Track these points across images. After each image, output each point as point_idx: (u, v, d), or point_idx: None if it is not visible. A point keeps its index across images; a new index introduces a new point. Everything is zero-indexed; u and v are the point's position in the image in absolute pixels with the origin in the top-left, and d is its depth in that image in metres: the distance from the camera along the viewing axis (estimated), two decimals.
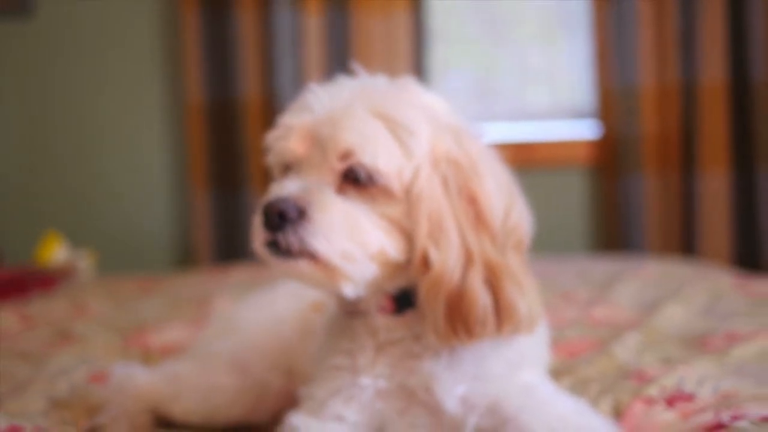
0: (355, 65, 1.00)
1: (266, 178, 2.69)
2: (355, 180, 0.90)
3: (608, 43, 2.66)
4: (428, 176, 0.90)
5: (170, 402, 1.19)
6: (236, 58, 2.76)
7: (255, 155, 2.75)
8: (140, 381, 1.21)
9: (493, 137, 0.99)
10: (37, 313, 2.02)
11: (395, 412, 0.95)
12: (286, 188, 0.90)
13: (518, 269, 0.91)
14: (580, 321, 1.68)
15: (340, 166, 0.90)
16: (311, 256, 0.88)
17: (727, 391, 1.12)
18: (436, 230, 0.89)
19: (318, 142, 0.92)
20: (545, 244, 2.73)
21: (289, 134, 0.94)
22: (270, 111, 2.73)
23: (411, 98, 0.95)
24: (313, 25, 2.74)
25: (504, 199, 0.92)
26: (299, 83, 2.72)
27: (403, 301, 0.95)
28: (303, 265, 0.89)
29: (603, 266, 2.29)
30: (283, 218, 0.88)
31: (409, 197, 0.90)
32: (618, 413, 1.13)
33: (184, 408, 1.18)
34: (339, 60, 2.74)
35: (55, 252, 2.64)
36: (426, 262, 0.89)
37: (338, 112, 0.91)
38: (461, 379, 0.93)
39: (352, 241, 0.88)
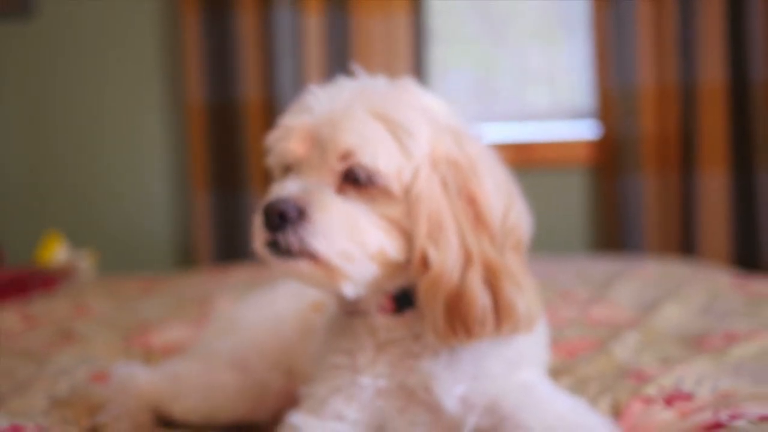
0: (355, 66, 1.00)
1: (266, 178, 2.70)
2: (355, 181, 0.90)
3: (608, 44, 2.67)
4: (428, 177, 0.91)
5: (171, 401, 1.19)
6: (236, 58, 2.77)
7: (255, 156, 2.75)
8: (141, 380, 1.22)
9: (492, 137, 1.00)
10: (39, 312, 2.03)
11: (395, 410, 0.96)
12: (286, 189, 0.91)
13: (517, 269, 0.91)
14: (579, 321, 1.69)
15: (340, 167, 0.91)
16: (311, 256, 0.88)
17: (725, 391, 1.12)
18: (436, 230, 0.90)
19: (318, 143, 0.92)
20: (545, 243, 2.75)
21: (289, 135, 0.95)
22: (270, 111, 2.74)
23: (411, 99, 0.95)
24: (313, 25, 2.74)
25: (503, 199, 0.92)
26: (299, 84, 2.72)
27: (403, 300, 0.95)
28: (303, 265, 0.89)
29: (602, 266, 2.30)
30: (283, 218, 0.88)
31: (409, 198, 0.91)
32: (616, 412, 1.13)
33: (184, 407, 1.18)
34: (339, 60, 2.75)
35: (56, 252, 2.65)
36: (425, 262, 0.90)
37: (338, 113, 0.92)
38: (460, 378, 0.94)
39: (352, 241, 0.89)
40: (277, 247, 0.90)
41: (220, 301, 1.97)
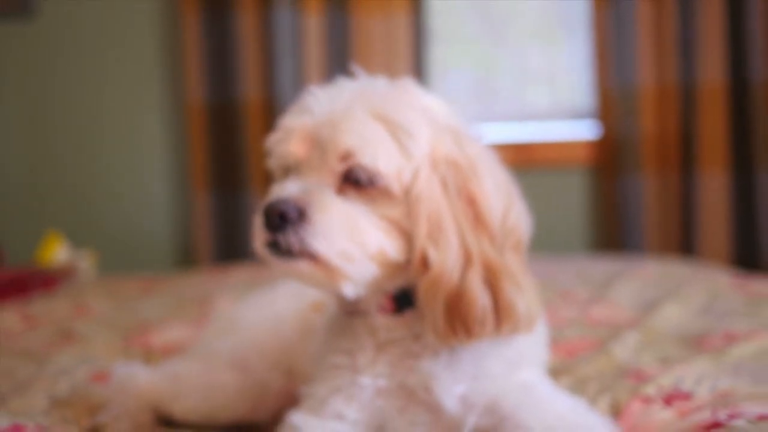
0: (355, 67, 1.01)
1: (266, 178, 2.70)
2: (355, 181, 0.91)
3: (608, 44, 2.67)
4: (427, 177, 0.91)
5: (171, 401, 1.19)
6: (236, 58, 2.77)
7: (255, 156, 2.76)
8: (141, 380, 1.22)
9: (492, 138, 1.00)
10: (39, 312, 2.03)
11: (395, 410, 0.96)
12: (286, 189, 0.91)
13: (517, 269, 0.92)
14: (579, 320, 1.69)
15: (340, 168, 0.91)
16: (311, 256, 0.89)
17: (724, 390, 1.12)
18: (436, 231, 0.90)
19: (318, 144, 0.92)
20: (545, 243, 2.76)
21: (289, 136, 0.95)
22: (270, 112, 2.74)
23: (410, 100, 0.96)
24: (313, 25, 2.75)
25: (503, 199, 0.93)
26: (299, 84, 2.73)
27: (403, 300, 0.95)
28: (303, 266, 0.90)
29: (602, 266, 2.30)
30: (283, 219, 0.88)
31: (409, 198, 0.91)
32: (616, 412, 1.13)
33: (184, 407, 1.18)
34: (339, 60, 2.75)
35: (57, 252, 2.65)
36: (425, 262, 0.90)
37: (338, 114, 0.92)
38: (460, 378, 0.94)
39: (352, 242, 0.89)
40: (277, 248, 0.90)
41: (220, 301, 1.97)
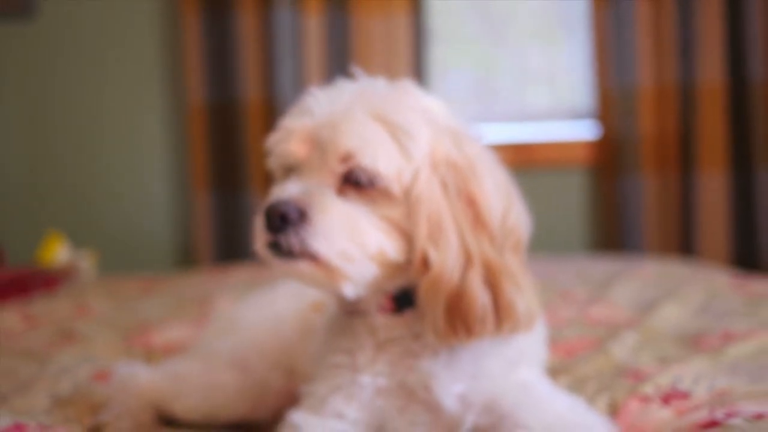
0: (355, 68, 1.01)
1: (266, 178, 2.70)
2: (355, 182, 0.91)
3: (607, 44, 2.67)
4: (427, 178, 0.92)
5: (172, 400, 1.20)
6: (236, 58, 2.78)
7: (255, 156, 2.76)
8: (142, 379, 1.23)
9: (492, 138, 1.01)
10: (40, 312, 2.04)
11: (395, 409, 0.96)
12: (287, 191, 0.92)
13: (516, 269, 0.92)
14: (578, 320, 1.70)
15: (340, 169, 0.92)
16: (312, 257, 0.89)
17: (722, 389, 1.13)
18: (436, 231, 0.90)
19: (318, 145, 0.93)
20: (544, 244, 2.76)
21: (289, 137, 0.95)
22: (270, 112, 2.74)
23: (410, 101, 0.96)
24: (313, 25, 2.75)
25: (502, 200, 0.93)
26: (299, 84, 2.73)
27: (403, 300, 0.96)
28: (304, 266, 0.90)
29: (602, 266, 2.31)
30: (284, 220, 0.89)
31: (409, 199, 0.92)
32: (614, 411, 1.14)
33: (185, 406, 1.19)
34: (339, 61, 2.76)
35: (57, 252, 2.66)
36: (426, 263, 0.90)
37: (338, 115, 0.93)
38: (459, 377, 0.94)
39: (352, 242, 0.89)
40: (278, 248, 0.90)
41: (220, 301, 1.98)
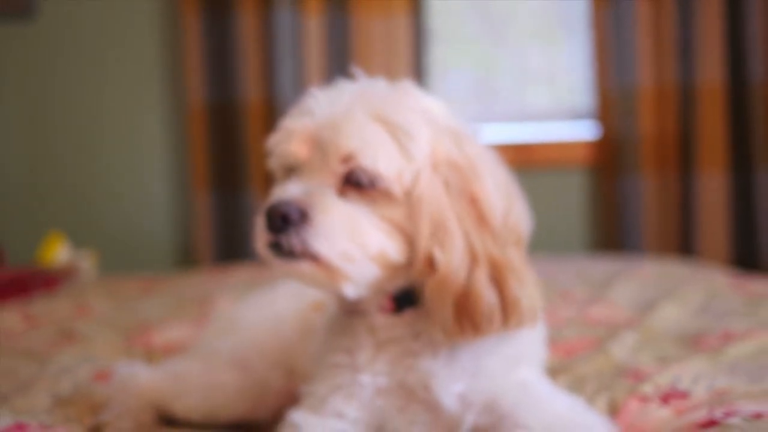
0: (355, 69, 1.01)
1: (266, 179, 2.71)
2: (356, 183, 0.91)
3: (607, 44, 2.68)
4: (429, 179, 0.92)
5: (172, 400, 1.20)
6: (237, 59, 2.78)
7: (255, 156, 2.76)
8: (143, 379, 1.23)
9: (492, 138, 1.01)
10: (40, 312, 2.04)
11: (395, 409, 0.97)
12: (288, 191, 0.92)
13: (519, 264, 0.93)
14: (577, 320, 1.70)
15: (341, 170, 0.92)
16: (313, 257, 0.90)
17: (721, 389, 1.13)
18: (441, 232, 0.91)
19: (319, 145, 0.93)
20: (544, 244, 2.76)
21: (290, 138, 0.96)
22: (270, 112, 2.75)
23: (410, 102, 0.96)
24: (314, 26, 2.75)
25: (503, 198, 0.94)
26: (299, 84, 2.74)
27: (403, 300, 0.96)
28: (305, 266, 0.90)
29: (601, 266, 2.31)
30: (285, 221, 0.89)
31: (410, 200, 0.92)
32: (613, 411, 1.14)
33: (185, 406, 1.19)
34: (339, 61, 2.76)
35: (58, 252, 2.66)
36: (431, 263, 0.91)
37: (339, 116, 0.93)
38: (459, 376, 0.95)
39: (353, 243, 0.90)
40: (279, 249, 0.91)
41: (220, 301, 1.98)
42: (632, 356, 1.39)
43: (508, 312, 0.90)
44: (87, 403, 1.24)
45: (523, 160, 2.79)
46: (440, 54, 2.94)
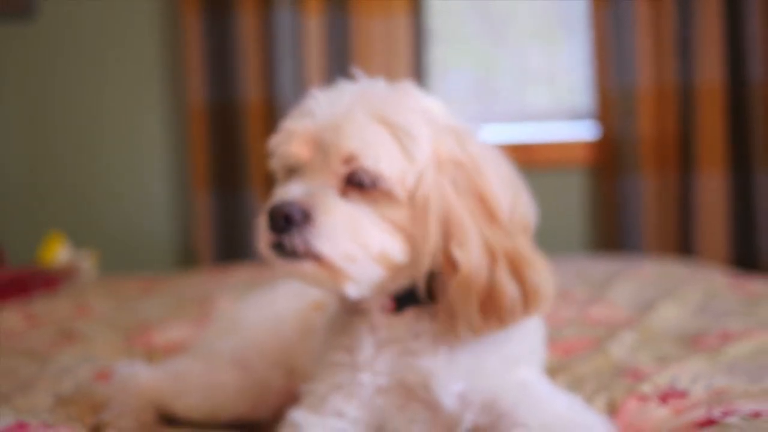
0: (355, 69, 1.02)
1: (267, 179, 2.71)
2: (358, 184, 0.92)
3: (606, 44, 2.68)
4: (435, 179, 0.93)
5: (173, 399, 1.21)
6: (237, 59, 2.78)
7: (255, 156, 2.77)
8: (143, 379, 1.23)
9: (492, 138, 1.02)
10: (41, 312, 2.04)
11: (395, 408, 0.97)
12: (290, 192, 0.92)
13: (530, 252, 0.94)
14: (577, 320, 1.70)
15: (343, 170, 0.92)
16: (316, 257, 0.90)
17: (719, 388, 1.14)
18: (458, 231, 0.91)
19: (321, 146, 0.94)
20: (544, 244, 2.74)
21: (291, 139, 0.96)
22: (270, 112, 2.75)
23: (410, 102, 0.97)
24: (314, 26, 2.76)
25: (509, 192, 0.95)
26: (299, 84, 2.74)
27: (403, 299, 0.97)
28: (308, 267, 0.91)
29: (601, 266, 2.31)
30: (288, 221, 0.90)
31: (414, 200, 0.93)
32: (612, 410, 1.15)
33: (186, 405, 1.20)
34: (339, 61, 2.76)
35: (58, 252, 2.66)
36: (451, 263, 0.91)
37: (340, 117, 0.93)
38: (459, 376, 0.95)
39: (355, 243, 0.90)
40: (282, 249, 0.91)
41: (220, 300, 1.98)
42: (631, 356, 1.39)
43: (529, 300, 0.92)
44: (88, 403, 1.24)
45: (522, 161, 2.75)
46: (440, 54, 2.95)
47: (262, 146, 2.74)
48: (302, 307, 1.22)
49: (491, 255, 0.92)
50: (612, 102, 2.69)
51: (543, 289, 0.92)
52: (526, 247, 0.94)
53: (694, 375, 1.20)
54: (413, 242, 0.93)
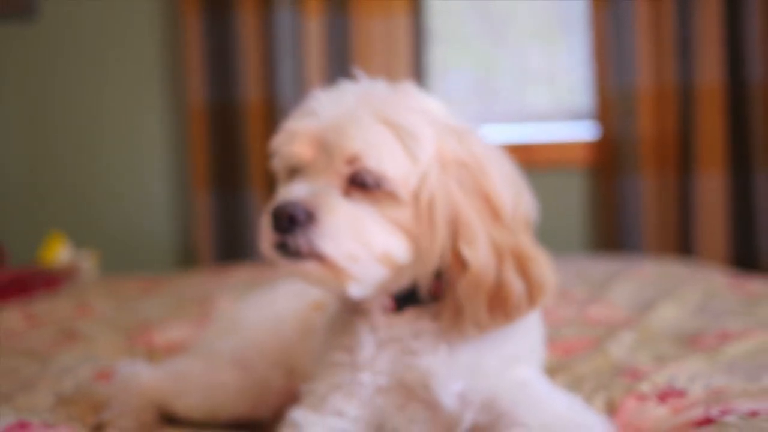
0: (356, 70, 1.02)
1: (267, 179, 2.72)
2: (361, 184, 0.92)
3: (606, 45, 2.68)
4: (440, 179, 0.93)
5: (174, 399, 1.21)
6: (237, 59, 2.78)
7: (256, 156, 2.77)
8: (144, 378, 1.24)
9: (492, 138, 1.02)
10: (42, 312, 2.05)
11: (395, 407, 0.97)
12: (294, 192, 0.93)
13: (531, 247, 0.95)
14: (576, 320, 1.71)
15: (346, 171, 0.93)
16: (319, 257, 0.90)
17: (718, 388, 1.14)
18: (466, 230, 0.92)
19: (324, 147, 0.94)
20: (544, 244, 2.75)
21: (294, 139, 0.96)
22: (270, 112, 2.75)
23: (412, 103, 0.97)
24: (314, 26, 2.76)
25: (512, 191, 0.96)
26: (300, 84, 2.74)
27: (404, 299, 0.97)
28: (311, 266, 0.91)
29: (601, 266, 2.31)
30: (292, 221, 0.90)
31: (418, 201, 0.93)
32: (611, 409, 1.15)
33: (187, 405, 1.20)
34: (339, 61, 2.77)
35: (59, 252, 2.67)
36: (460, 262, 0.92)
37: (343, 117, 0.94)
38: (458, 375, 0.95)
39: (359, 243, 0.90)
40: (285, 249, 0.91)
41: (220, 300, 1.99)
42: (630, 355, 1.40)
43: (534, 294, 0.93)
44: (89, 402, 1.25)
45: (522, 161, 2.77)
46: (440, 54, 2.95)
47: (262, 146, 2.78)
48: (302, 307, 1.22)
49: (498, 253, 0.93)
50: (612, 102, 2.70)
51: (546, 283, 0.94)
52: (528, 244, 0.95)
53: (693, 374, 1.21)
54: (416, 242, 0.93)
